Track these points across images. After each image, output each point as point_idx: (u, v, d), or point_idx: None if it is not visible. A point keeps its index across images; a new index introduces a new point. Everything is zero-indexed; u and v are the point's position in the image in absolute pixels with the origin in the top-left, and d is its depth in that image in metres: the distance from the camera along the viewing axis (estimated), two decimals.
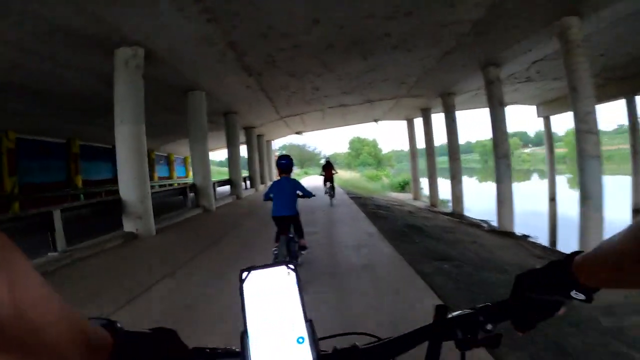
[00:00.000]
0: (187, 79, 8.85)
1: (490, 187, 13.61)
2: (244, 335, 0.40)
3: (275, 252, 3.27)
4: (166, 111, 11.73)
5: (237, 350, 0.45)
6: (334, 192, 11.00)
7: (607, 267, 0.41)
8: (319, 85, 11.12)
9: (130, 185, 6.51)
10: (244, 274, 0.44)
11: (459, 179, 13.88)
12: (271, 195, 3.56)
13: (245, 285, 0.43)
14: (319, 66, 9.08)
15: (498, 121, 9.96)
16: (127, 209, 6.43)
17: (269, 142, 22.11)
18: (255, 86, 10.39)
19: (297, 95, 11.89)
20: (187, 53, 7.24)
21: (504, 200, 10.03)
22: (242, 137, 16.75)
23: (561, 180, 37.33)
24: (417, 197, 18.70)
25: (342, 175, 32.52)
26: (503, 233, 9.23)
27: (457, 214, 13.28)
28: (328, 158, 12.69)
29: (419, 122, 17.77)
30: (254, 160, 18.11)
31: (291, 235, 3.51)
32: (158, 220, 7.21)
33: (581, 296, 0.44)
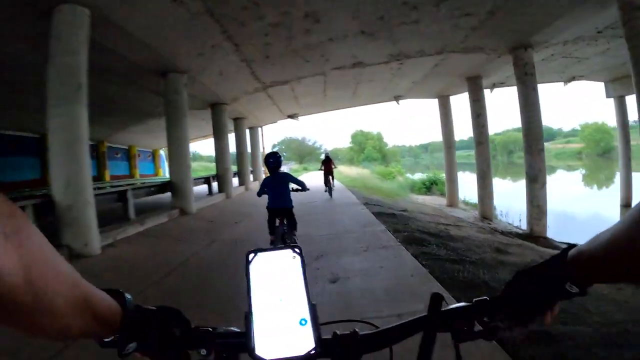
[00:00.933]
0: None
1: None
2: (248, 315, 0.41)
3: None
4: (130, 90, 9.20)
5: (238, 330, 0.47)
6: (333, 184, 11.37)
7: (599, 261, 0.41)
8: (318, 11, 5.99)
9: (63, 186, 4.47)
10: (251, 256, 0.45)
11: (542, 182, 8.76)
12: (265, 189, 3.65)
13: (251, 266, 0.44)
14: None
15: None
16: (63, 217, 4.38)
17: (254, 129, 16.96)
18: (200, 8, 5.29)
19: (281, 33, 6.70)
20: None
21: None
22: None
23: (575, 177, 33.40)
24: (453, 203, 13.64)
25: (347, 172, 27.50)
26: None
27: (537, 236, 8.30)
28: (328, 153, 12.55)
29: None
30: (244, 154, 14.51)
31: (285, 229, 3.62)
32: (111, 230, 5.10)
33: (575, 289, 0.44)
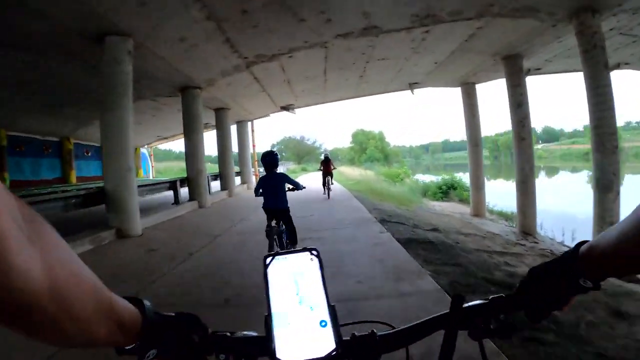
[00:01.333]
0: None
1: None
2: (268, 319, 0.42)
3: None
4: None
5: (256, 334, 0.46)
6: (332, 183, 11.28)
7: (611, 255, 0.41)
8: None
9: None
10: (268, 260, 0.45)
11: (616, 191, 6.43)
12: (261, 190, 3.63)
13: (269, 270, 0.44)
14: None
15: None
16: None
17: (242, 124, 14.61)
18: None
19: None
20: None
21: None
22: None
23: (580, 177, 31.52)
24: (480, 212, 11.32)
25: (349, 173, 25.13)
26: None
27: None
28: (327, 154, 12.54)
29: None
30: (227, 152, 12.28)
31: (282, 229, 3.59)
32: None
33: (589, 284, 0.44)
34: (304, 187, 3.86)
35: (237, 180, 13.89)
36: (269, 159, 3.58)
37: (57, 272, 0.28)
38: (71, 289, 0.29)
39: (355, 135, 55.92)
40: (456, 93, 11.67)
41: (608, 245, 0.42)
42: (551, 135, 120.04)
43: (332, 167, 11.49)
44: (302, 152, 56.23)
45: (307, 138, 62.46)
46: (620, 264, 0.41)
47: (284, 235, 3.61)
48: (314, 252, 0.46)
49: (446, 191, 14.59)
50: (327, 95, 12.86)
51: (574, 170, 41.42)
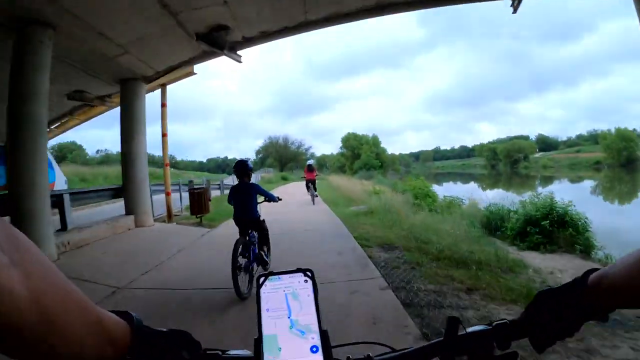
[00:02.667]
0: None
1: None
2: (257, 342, 0.41)
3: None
4: None
5: (248, 353, 0.45)
6: (315, 193, 11.33)
7: (622, 286, 0.40)
8: None
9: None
10: (261, 279, 0.45)
11: None
12: (231, 200, 3.69)
13: (262, 290, 0.44)
14: None
15: None
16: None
17: (131, 87, 6.90)
18: None
19: None
20: None
21: None
22: None
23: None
24: None
25: (345, 186, 17.37)
26: None
27: None
28: (311, 162, 12.74)
29: None
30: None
31: (253, 240, 3.56)
32: None
33: (596, 315, 0.43)
34: (279, 199, 3.96)
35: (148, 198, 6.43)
36: (239, 168, 3.65)
37: (42, 291, 0.28)
38: (58, 307, 0.29)
39: (346, 140, 48.55)
40: None
41: (619, 276, 0.40)
42: (546, 144, 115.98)
43: (315, 174, 11.95)
44: (285, 157, 48.57)
45: (291, 140, 55.09)
46: (630, 296, 0.40)
47: (252, 247, 3.51)
48: (308, 274, 0.45)
49: (550, 231, 7.19)
50: (279, 16, 5.43)
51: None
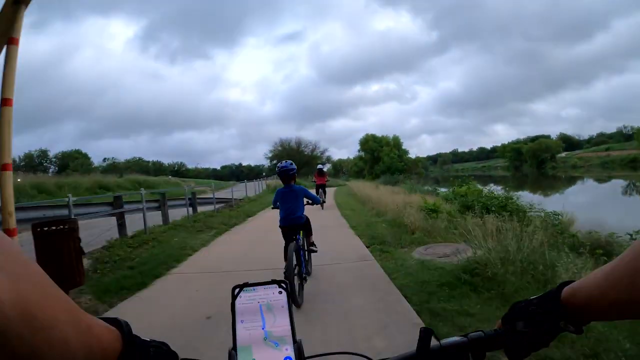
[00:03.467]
0: None
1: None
2: (231, 353, 0.41)
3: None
4: None
5: None
6: (324, 198, 11.21)
7: (596, 299, 0.40)
8: None
9: None
10: (236, 291, 0.45)
11: None
12: (278, 203, 3.64)
13: (237, 301, 0.44)
14: None
15: None
16: None
17: None
18: None
19: None
20: None
21: None
22: None
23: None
24: None
25: (369, 194, 12.87)
26: None
27: None
28: (321, 166, 13.33)
29: None
30: None
31: (300, 243, 3.47)
32: None
33: (570, 328, 0.44)
34: (324, 201, 4.65)
35: None
36: (283, 173, 3.64)
37: (28, 297, 0.27)
38: (45, 313, 0.28)
39: (364, 142, 44.18)
40: None
41: (592, 289, 0.41)
42: (569, 143, 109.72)
43: (326, 180, 12.30)
44: (298, 162, 44.92)
45: (304, 144, 49.40)
46: (604, 309, 0.40)
47: (302, 252, 3.49)
48: (283, 285, 0.45)
49: None
50: None
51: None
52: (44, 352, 0.28)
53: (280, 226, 3.53)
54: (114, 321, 0.40)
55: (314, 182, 11.75)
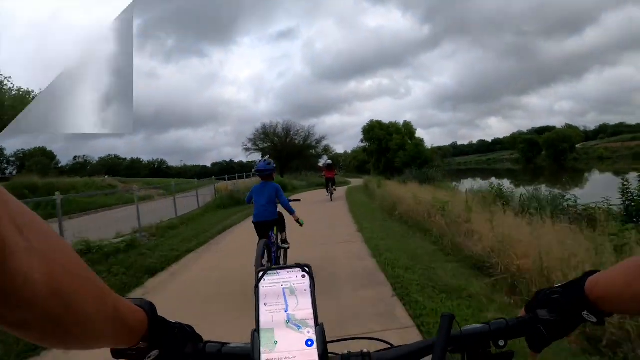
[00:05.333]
0: None
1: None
2: (254, 333, 0.41)
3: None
4: None
5: (247, 347, 0.46)
6: (334, 189, 12.12)
7: (620, 292, 0.39)
8: None
9: None
10: (260, 274, 0.45)
11: None
12: (253, 199, 3.67)
13: (261, 284, 0.44)
14: None
15: None
16: None
17: None
18: None
19: None
20: None
21: None
22: None
23: None
24: None
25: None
26: None
27: None
28: (329, 162, 13.62)
29: None
30: None
31: (272, 241, 3.61)
32: None
33: (592, 318, 0.42)
34: (294, 211, 3.84)
35: None
36: (262, 169, 3.68)
37: (59, 276, 0.28)
38: (75, 291, 0.29)
39: (368, 130, 35.61)
40: None
41: (616, 280, 0.39)
42: (583, 135, 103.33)
43: (335, 173, 13.18)
44: (286, 154, 35.83)
45: (294, 130, 37.36)
46: (627, 301, 0.39)
47: (273, 249, 3.59)
48: (307, 269, 0.45)
49: None
50: None
51: None
52: (72, 329, 0.29)
53: (253, 222, 3.61)
54: (140, 302, 0.41)
55: (323, 176, 12.70)
